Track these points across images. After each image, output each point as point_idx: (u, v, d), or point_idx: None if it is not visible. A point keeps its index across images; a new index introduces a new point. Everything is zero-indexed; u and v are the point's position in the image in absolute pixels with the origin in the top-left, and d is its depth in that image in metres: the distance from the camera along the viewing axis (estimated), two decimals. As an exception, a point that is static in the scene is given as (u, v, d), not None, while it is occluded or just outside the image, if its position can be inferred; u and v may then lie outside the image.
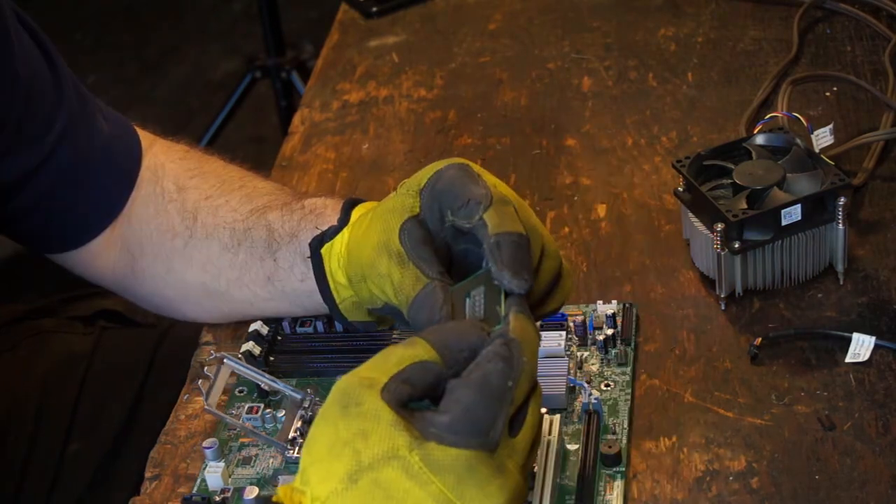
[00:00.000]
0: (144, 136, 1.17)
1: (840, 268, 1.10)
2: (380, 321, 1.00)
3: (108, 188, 1.13)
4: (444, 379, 0.81)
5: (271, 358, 1.08)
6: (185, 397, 1.09)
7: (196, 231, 1.10)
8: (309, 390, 1.04)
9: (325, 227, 1.01)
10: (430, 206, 0.91)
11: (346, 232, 0.98)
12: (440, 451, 0.77)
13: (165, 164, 1.14)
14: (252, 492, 0.96)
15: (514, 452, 0.80)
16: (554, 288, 0.92)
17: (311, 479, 0.79)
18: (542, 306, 0.92)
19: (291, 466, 1.00)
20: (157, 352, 1.31)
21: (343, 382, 0.80)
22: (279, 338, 1.10)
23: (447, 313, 0.86)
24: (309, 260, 1.02)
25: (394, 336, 1.07)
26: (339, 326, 1.09)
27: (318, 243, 1.00)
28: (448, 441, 0.78)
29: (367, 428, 0.78)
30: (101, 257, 1.14)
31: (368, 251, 0.93)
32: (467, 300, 0.87)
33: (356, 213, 0.99)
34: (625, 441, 0.98)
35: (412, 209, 0.91)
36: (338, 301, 0.99)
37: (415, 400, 0.80)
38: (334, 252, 0.98)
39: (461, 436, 0.78)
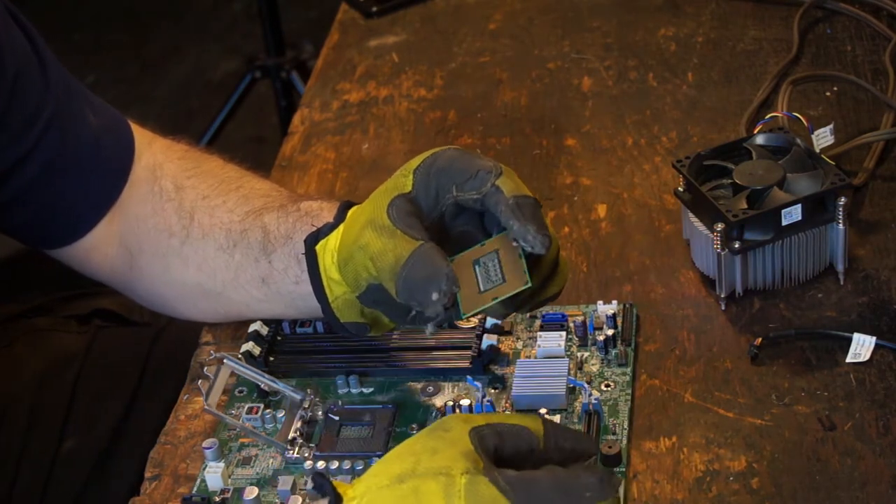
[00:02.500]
0: (144, 135, 1.17)
1: (840, 268, 1.09)
2: (372, 325, 1.00)
3: (97, 181, 1.13)
4: (538, 458, 0.84)
5: (271, 358, 1.08)
6: (185, 397, 1.09)
7: (192, 231, 1.10)
8: (309, 390, 1.04)
9: (320, 226, 1.02)
10: (424, 184, 0.92)
11: (340, 228, 0.98)
12: (486, 487, 0.80)
13: (164, 163, 1.14)
14: (252, 492, 0.96)
15: None
16: (553, 272, 0.94)
17: (365, 475, 0.83)
18: (543, 291, 0.93)
19: (291, 467, 1.00)
20: (153, 351, 1.30)
21: (447, 416, 0.87)
22: (279, 338, 1.10)
23: (452, 271, 0.86)
24: (303, 261, 1.02)
25: (394, 337, 1.07)
26: (339, 326, 1.09)
27: (312, 240, 1.00)
28: (499, 485, 0.80)
29: (439, 447, 0.82)
30: (97, 252, 1.14)
31: (356, 229, 0.93)
32: (477, 268, 0.87)
33: (352, 212, 0.99)
34: (625, 441, 0.98)
35: (403, 187, 0.93)
36: (330, 299, 0.99)
37: (500, 454, 0.84)
38: (328, 248, 0.98)
39: (514, 490, 0.80)
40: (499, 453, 0.84)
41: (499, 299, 0.88)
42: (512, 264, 0.87)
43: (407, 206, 0.91)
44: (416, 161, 0.94)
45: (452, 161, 0.92)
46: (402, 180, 0.93)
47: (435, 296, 0.86)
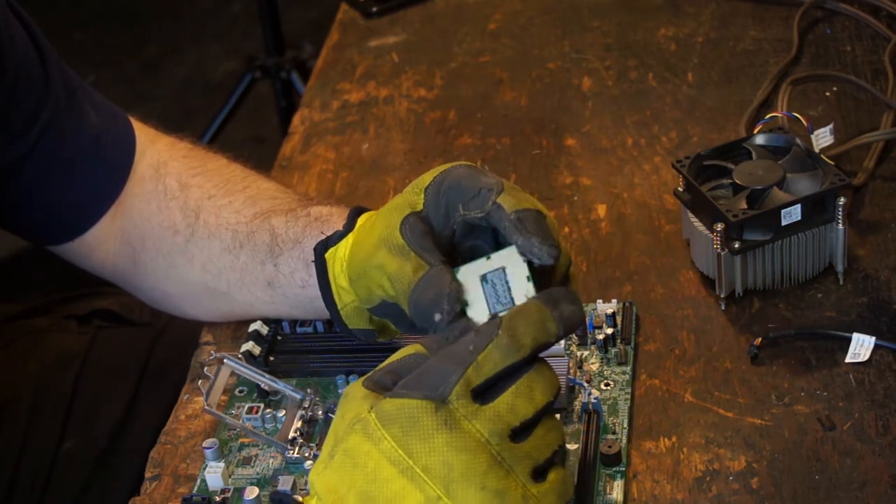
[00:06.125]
0: (147, 132, 1.17)
1: (840, 268, 1.10)
2: (380, 331, 1.00)
3: (98, 178, 1.13)
4: None
5: (271, 358, 1.08)
6: (185, 397, 1.09)
7: (198, 230, 1.10)
8: (309, 390, 1.04)
9: (329, 233, 1.01)
10: (434, 202, 0.92)
11: (350, 237, 0.98)
12: (389, 403, 0.82)
13: (168, 161, 1.14)
14: (252, 492, 0.96)
15: (477, 418, 0.81)
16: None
17: (309, 475, 0.86)
18: None
19: (291, 466, 1.00)
20: (153, 351, 1.31)
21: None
22: (279, 338, 1.10)
23: (456, 290, 0.87)
24: (311, 266, 1.02)
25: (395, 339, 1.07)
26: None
27: (322, 248, 1.00)
28: (397, 394, 0.82)
29: (345, 411, 0.84)
30: (99, 248, 1.15)
31: (368, 247, 0.93)
32: (485, 285, 0.87)
33: (362, 220, 0.99)
34: (625, 441, 0.98)
35: (414, 206, 0.92)
36: (339, 306, 0.99)
37: None
38: (338, 256, 0.98)
39: (410, 389, 0.82)
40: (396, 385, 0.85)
41: None
42: (519, 287, 0.87)
43: (420, 226, 0.91)
44: (426, 178, 0.93)
45: (460, 180, 0.91)
46: (414, 198, 0.93)
47: (438, 317, 0.86)
